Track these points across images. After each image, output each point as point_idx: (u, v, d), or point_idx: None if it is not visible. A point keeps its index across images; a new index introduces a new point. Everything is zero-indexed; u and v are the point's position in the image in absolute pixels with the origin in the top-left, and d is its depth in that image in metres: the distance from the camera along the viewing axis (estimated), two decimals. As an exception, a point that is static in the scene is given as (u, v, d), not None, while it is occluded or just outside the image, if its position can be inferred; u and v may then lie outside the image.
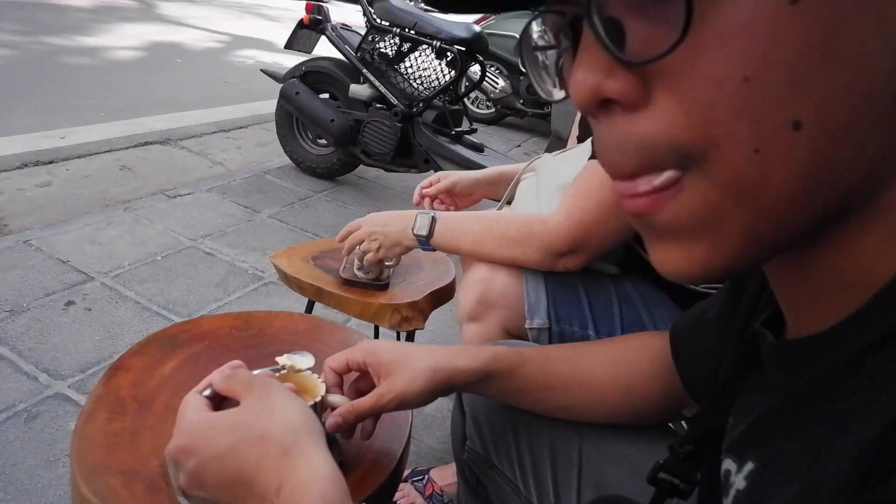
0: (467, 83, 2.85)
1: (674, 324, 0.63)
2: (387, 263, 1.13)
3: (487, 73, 3.22)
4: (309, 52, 2.84)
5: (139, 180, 2.63)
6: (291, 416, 0.50)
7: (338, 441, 0.64)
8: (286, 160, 2.98)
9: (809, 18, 0.22)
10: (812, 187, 0.25)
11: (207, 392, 0.55)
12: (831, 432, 0.28)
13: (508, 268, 0.94)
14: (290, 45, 2.85)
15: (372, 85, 2.57)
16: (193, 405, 0.53)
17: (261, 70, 3.10)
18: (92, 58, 4.46)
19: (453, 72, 2.49)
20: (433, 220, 0.99)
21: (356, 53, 2.58)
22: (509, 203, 1.18)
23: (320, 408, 0.61)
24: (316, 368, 0.65)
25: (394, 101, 2.52)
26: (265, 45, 6.27)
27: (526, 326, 0.92)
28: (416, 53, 2.58)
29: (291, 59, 3.02)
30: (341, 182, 2.96)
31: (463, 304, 0.96)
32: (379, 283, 1.13)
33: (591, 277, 0.96)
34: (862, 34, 0.23)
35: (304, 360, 0.65)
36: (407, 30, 2.50)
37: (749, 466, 0.34)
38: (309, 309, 1.25)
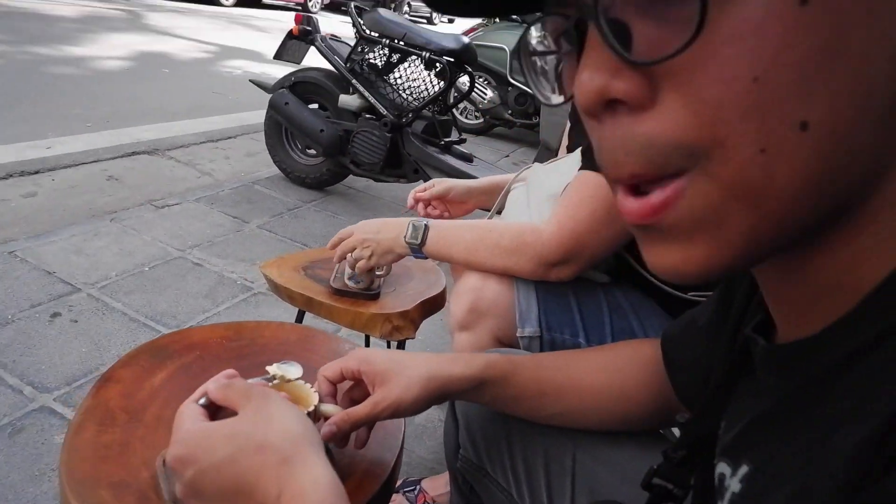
0: (456, 94, 2.87)
1: (664, 331, 0.64)
2: (378, 273, 1.14)
3: (476, 84, 3.24)
4: (298, 63, 2.85)
5: (126, 190, 2.61)
6: (290, 425, 0.50)
7: (330, 451, 0.63)
8: (275, 170, 2.98)
9: (818, 20, 0.23)
10: (813, 188, 0.25)
11: (203, 401, 0.55)
12: (823, 434, 0.28)
13: (499, 276, 0.94)
14: (279, 56, 2.86)
15: (361, 95, 2.58)
16: (190, 414, 0.53)
17: (250, 80, 3.10)
18: (78, 68, 4.43)
19: (442, 83, 2.51)
20: (426, 227, 0.99)
21: (346, 64, 2.59)
22: (499, 213, 1.19)
23: (313, 418, 0.60)
24: (305, 378, 0.65)
25: (383, 111, 2.53)
26: (253, 56, 6.27)
27: (517, 335, 0.92)
28: (406, 64, 2.59)
29: (280, 70, 3.02)
30: (330, 192, 2.95)
31: (454, 312, 0.96)
32: (370, 293, 1.13)
33: (582, 286, 0.97)
34: (866, 38, 0.23)
35: (293, 370, 0.65)
36: (396, 41, 2.51)
37: (744, 469, 0.34)
38: (299, 319, 1.24)
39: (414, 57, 2.53)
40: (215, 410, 0.55)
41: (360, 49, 2.58)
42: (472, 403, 0.71)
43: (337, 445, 0.62)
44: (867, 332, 0.27)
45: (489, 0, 0.33)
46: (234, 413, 0.52)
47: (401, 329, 1.10)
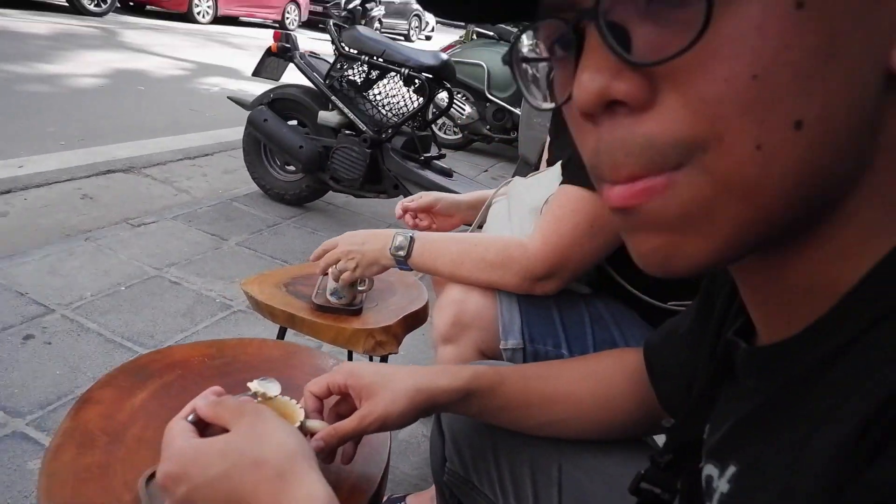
0: (435, 110, 2.89)
1: (646, 341, 0.65)
2: (360, 288, 1.13)
3: (454, 100, 3.27)
4: (277, 80, 2.85)
5: (101, 209, 2.56)
6: (285, 440, 0.50)
7: (316, 467, 0.63)
8: (253, 187, 2.96)
9: (812, 23, 0.24)
10: (803, 185, 0.26)
11: (191, 418, 0.54)
12: (805, 434, 0.29)
13: (482, 289, 0.95)
14: (257, 73, 2.85)
15: (341, 112, 2.58)
16: (180, 431, 0.52)
17: (228, 97, 3.08)
18: (52, 85, 4.37)
19: (421, 99, 2.53)
20: (412, 239, 1.00)
21: (325, 81, 2.60)
22: (480, 227, 1.20)
23: (300, 433, 0.60)
24: (286, 394, 0.64)
25: (363, 127, 2.54)
26: (230, 73, 6.25)
27: (500, 347, 0.93)
28: (385, 81, 2.61)
29: (257, 87, 3.02)
30: (310, 208, 2.94)
31: (437, 325, 0.96)
32: (352, 308, 1.12)
33: (564, 298, 0.97)
34: (855, 43, 0.25)
35: (272, 387, 0.64)
36: (375, 58, 2.53)
37: (731, 470, 0.35)
38: (280, 336, 1.23)
39: (393, 73, 2.55)
40: (203, 427, 0.54)
41: (339, 66, 2.59)
42: (458, 416, 0.71)
43: (324, 461, 0.61)
44: (845, 332, 0.28)
45: (487, 5, 0.33)
46: (222, 430, 0.51)
47: (383, 344, 1.09)
